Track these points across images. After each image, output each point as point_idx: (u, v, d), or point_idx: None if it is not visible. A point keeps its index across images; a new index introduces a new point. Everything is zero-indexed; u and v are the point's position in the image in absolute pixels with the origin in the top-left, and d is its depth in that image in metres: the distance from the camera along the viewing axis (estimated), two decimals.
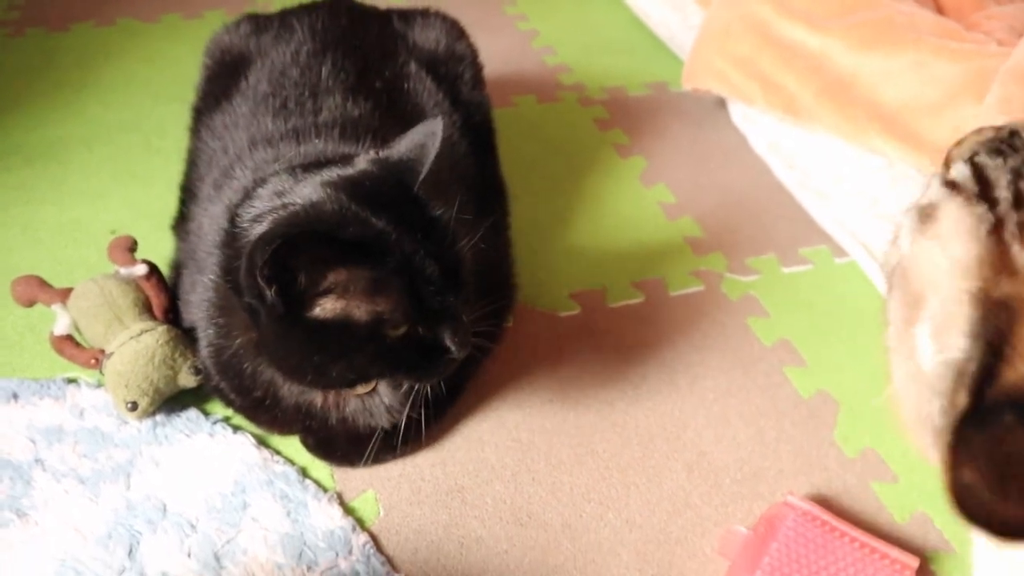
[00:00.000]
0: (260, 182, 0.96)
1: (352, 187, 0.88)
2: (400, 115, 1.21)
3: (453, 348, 0.92)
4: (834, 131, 1.61)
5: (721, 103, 1.85)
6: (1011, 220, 0.46)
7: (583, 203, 1.59)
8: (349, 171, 0.90)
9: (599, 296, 1.38)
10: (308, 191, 0.88)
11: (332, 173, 0.90)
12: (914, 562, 0.99)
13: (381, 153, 0.92)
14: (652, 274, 1.43)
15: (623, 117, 1.84)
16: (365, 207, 0.86)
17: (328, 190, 0.87)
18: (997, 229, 0.46)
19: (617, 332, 1.32)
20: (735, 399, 1.23)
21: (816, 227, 1.56)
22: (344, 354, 0.89)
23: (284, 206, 0.88)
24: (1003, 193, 0.48)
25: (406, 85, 1.25)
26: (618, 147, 1.75)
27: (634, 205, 1.59)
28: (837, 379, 1.26)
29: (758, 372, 1.27)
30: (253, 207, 0.90)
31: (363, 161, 0.92)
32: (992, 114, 1.40)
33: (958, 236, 0.48)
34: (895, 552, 0.99)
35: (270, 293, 0.83)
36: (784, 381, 1.26)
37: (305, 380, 0.95)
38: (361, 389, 1.00)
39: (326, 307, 0.87)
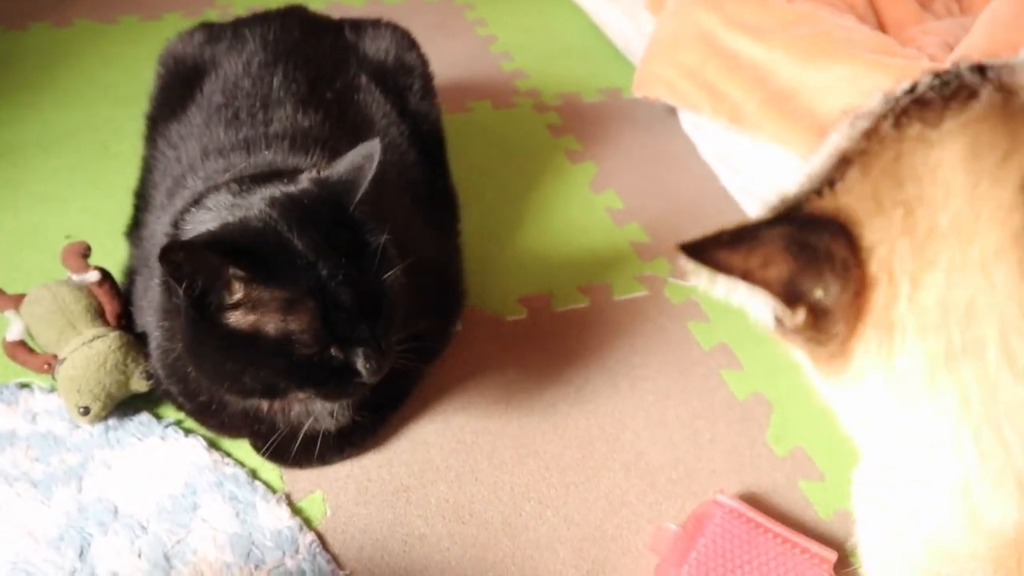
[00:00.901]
0: (207, 192, 0.99)
1: (287, 206, 0.92)
2: (349, 126, 1.24)
3: (364, 374, 0.95)
4: (777, 140, 1.67)
5: (672, 111, 1.90)
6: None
7: (533, 209, 1.63)
8: (290, 189, 0.94)
9: (545, 300, 1.43)
10: (243, 206, 0.92)
11: (273, 190, 0.93)
12: (832, 556, 1.04)
13: (323, 172, 0.96)
14: (598, 279, 1.48)
15: (576, 123, 1.89)
16: (293, 227, 0.90)
17: (262, 207, 0.91)
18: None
19: (562, 336, 1.37)
20: (673, 401, 1.28)
21: None
22: (254, 365, 0.93)
23: (217, 218, 0.91)
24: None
25: (356, 96, 1.29)
26: (570, 153, 1.79)
27: (583, 211, 1.63)
28: (772, 382, 1.32)
29: (696, 375, 1.32)
30: (194, 216, 0.94)
31: (305, 179, 0.95)
32: None
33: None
34: (815, 547, 1.05)
35: (181, 296, 0.87)
36: (721, 384, 1.31)
37: (222, 386, 0.99)
38: (301, 395, 1.03)
39: (238, 318, 0.90)
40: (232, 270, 0.88)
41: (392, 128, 1.30)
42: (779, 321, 0.57)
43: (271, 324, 0.90)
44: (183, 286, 0.88)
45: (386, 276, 0.94)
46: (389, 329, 0.96)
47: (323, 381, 0.96)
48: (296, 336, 0.91)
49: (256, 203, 0.92)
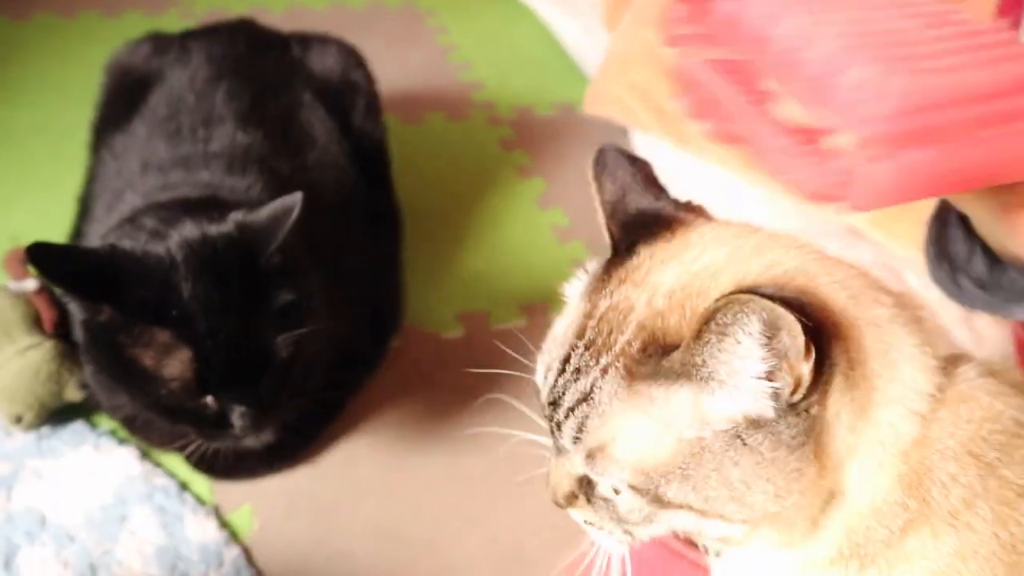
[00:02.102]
0: (140, 213, 1.01)
1: (196, 250, 0.94)
2: (290, 144, 1.26)
3: (237, 428, 0.97)
4: (720, 163, 1.70)
5: (624, 129, 1.92)
6: None
7: (479, 223, 1.65)
8: (209, 231, 0.96)
9: (483, 318, 1.45)
10: (155, 240, 0.94)
11: (193, 229, 0.95)
12: None
13: (248, 217, 0.97)
14: (539, 298, 1.50)
15: (528, 138, 1.91)
16: (192, 275, 0.92)
17: (171, 245, 0.93)
18: None
19: (498, 354, 1.38)
20: None
21: None
22: (132, 390, 0.95)
23: (130, 243, 0.95)
24: None
25: (298, 113, 1.31)
26: (519, 168, 1.81)
27: (528, 227, 1.66)
28: None
29: None
30: (120, 235, 0.96)
31: (231, 222, 0.97)
32: None
33: None
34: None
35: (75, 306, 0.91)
36: None
37: (106, 401, 1.03)
38: None
39: (123, 339, 0.92)
40: (97, 299, 0.91)
41: (334, 146, 1.32)
42: None
43: (147, 360, 0.92)
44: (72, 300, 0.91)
45: (285, 336, 0.95)
46: (278, 389, 0.97)
47: (196, 424, 0.98)
48: (167, 381, 0.93)
49: (171, 239, 0.94)
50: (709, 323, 0.53)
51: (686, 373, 0.55)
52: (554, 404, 0.62)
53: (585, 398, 0.59)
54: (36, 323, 1.22)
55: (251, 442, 1.09)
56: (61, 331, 1.24)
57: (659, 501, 0.58)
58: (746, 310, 0.51)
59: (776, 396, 0.54)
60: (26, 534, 1.08)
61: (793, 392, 0.54)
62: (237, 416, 0.96)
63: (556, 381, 0.62)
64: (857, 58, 0.55)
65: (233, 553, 1.08)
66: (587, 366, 0.59)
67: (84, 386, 1.18)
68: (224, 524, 1.12)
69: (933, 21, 0.60)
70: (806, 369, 0.53)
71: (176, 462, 1.18)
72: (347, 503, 1.16)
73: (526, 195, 1.74)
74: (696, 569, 1.08)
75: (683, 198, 0.78)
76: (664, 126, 1.77)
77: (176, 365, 0.92)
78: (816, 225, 1.63)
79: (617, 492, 0.60)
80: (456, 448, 1.25)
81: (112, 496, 1.13)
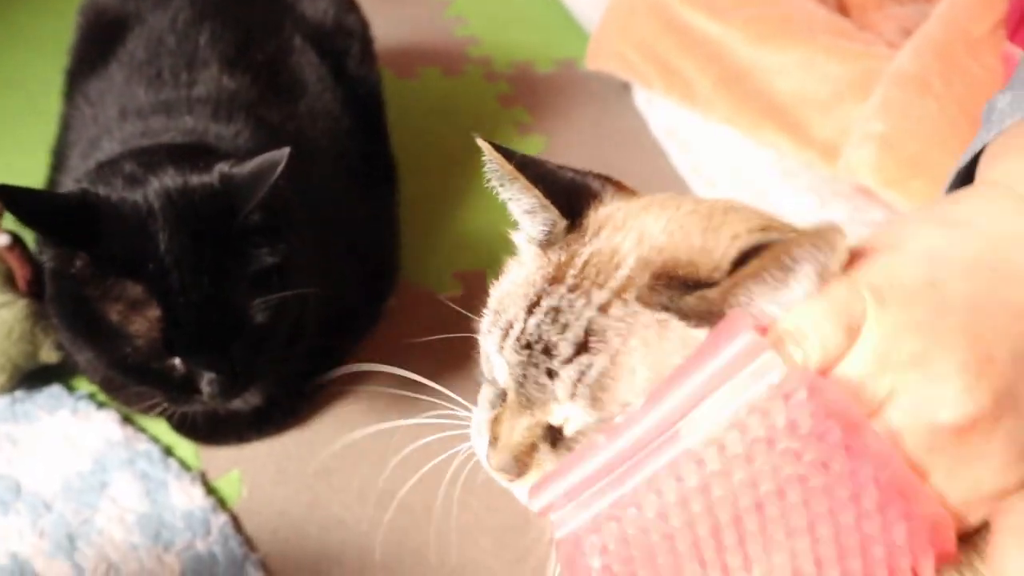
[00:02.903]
0: (117, 159, 0.94)
1: (175, 201, 0.87)
2: (280, 90, 1.19)
3: (205, 395, 0.91)
4: (729, 121, 1.64)
5: (626, 85, 1.85)
6: None
7: (477, 181, 1.57)
8: (191, 180, 0.88)
9: (482, 277, 1.38)
10: (132, 187, 0.87)
11: (174, 178, 0.88)
12: None
13: (233, 169, 0.90)
14: None
15: (528, 94, 1.84)
16: (168, 227, 0.85)
17: (149, 194, 0.86)
18: None
19: None
20: None
21: None
22: (97, 347, 0.89)
23: (106, 187, 0.87)
24: None
25: (289, 58, 1.23)
26: (519, 125, 1.74)
27: None
28: None
29: None
30: (94, 181, 0.89)
31: (216, 173, 0.89)
32: (873, 115, 1.43)
33: None
34: None
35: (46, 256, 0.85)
36: None
37: (80, 360, 0.97)
38: None
39: (91, 291, 0.86)
40: (73, 246, 0.84)
41: (327, 93, 1.24)
42: None
43: (114, 314, 0.86)
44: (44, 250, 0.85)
45: (261, 301, 0.88)
46: (252, 356, 0.90)
47: (162, 387, 0.92)
48: (133, 339, 0.86)
49: (150, 186, 0.87)
50: (773, 259, 0.48)
51: (717, 312, 0.50)
52: (530, 349, 0.57)
53: (585, 341, 0.54)
54: (8, 281, 1.15)
55: (237, 403, 1.03)
56: (35, 289, 1.17)
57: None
58: (824, 241, 0.47)
59: None
60: (0, 503, 1.02)
61: None
62: (205, 382, 0.89)
63: (525, 326, 0.57)
64: None
65: (220, 520, 1.03)
66: (573, 307, 0.55)
67: (60, 347, 1.12)
68: (211, 491, 1.06)
69: None
70: None
71: (160, 427, 1.12)
72: (341, 468, 1.10)
73: (526, 152, 1.66)
74: None
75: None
76: (668, 82, 1.70)
77: (143, 322, 0.85)
78: (825, 185, 1.58)
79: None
80: (453, 413, 1.19)
81: (91, 462, 1.07)
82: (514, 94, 1.83)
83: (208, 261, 0.86)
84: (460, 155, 1.64)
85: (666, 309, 0.52)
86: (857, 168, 1.42)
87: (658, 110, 1.78)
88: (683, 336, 0.51)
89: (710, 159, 1.67)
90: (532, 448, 0.60)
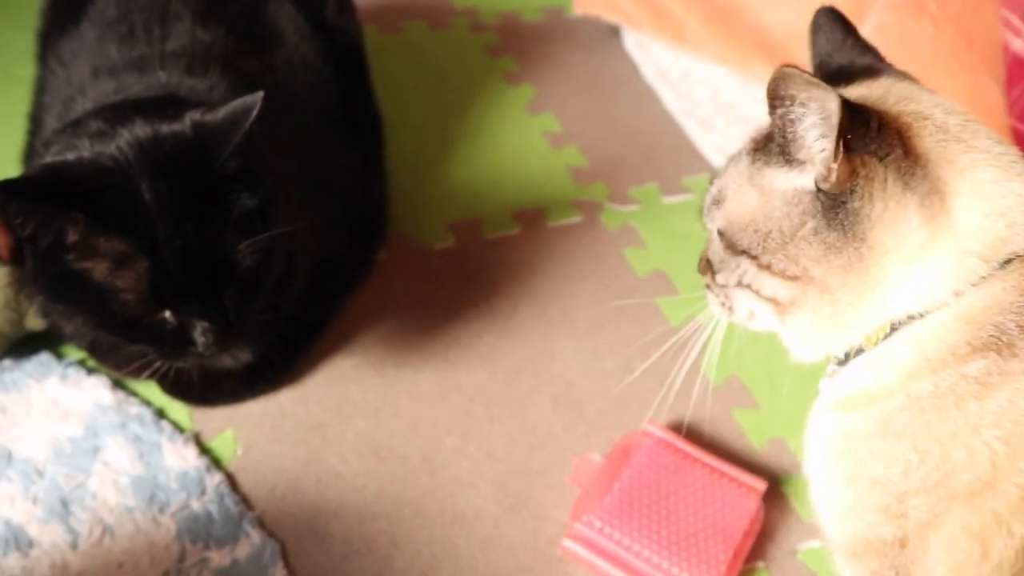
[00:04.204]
0: (84, 117, 0.91)
1: (149, 150, 0.84)
2: (256, 41, 1.15)
3: (199, 346, 0.88)
4: (719, 59, 1.60)
5: (615, 30, 1.81)
6: None
7: (467, 132, 1.55)
8: (162, 129, 0.86)
9: (475, 227, 1.36)
10: (105, 139, 0.84)
11: (144, 128, 0.85)
12: (762, 485, 1.01)
13: (206, 116, 0.87)
14: (531, 205, 1.41)
15: (515, 44, 1.80)
16: (146, 175, 0.82)
17: (121, 145, 0.83)
18: None
19: (491, 264, 1.31)
20: (605, 330, 1.23)
21: (701, 157, 1.56)
22: (84, 311, 0.87)
23: (73, 149, 0.84)
24: None
25: (265, 9, 1.19)
26: (507, 75, 1.71)
27: (519, 134, 1.56)
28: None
29: (631, 303, 1.27)
30: (60, 141, 0.87)
31: (187, 120, 0.87)
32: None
33: None
34: (745, 476, 1.02)
35: (19, 229, 0.82)
36: (656, 312, 1.26)
37: (67, 327, 0.94)
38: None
39: (72, 259, 0.83)
40: (67, 212, 0.81)
41: (304, 44, 1.21)
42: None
43: (99, 273, 0.83)
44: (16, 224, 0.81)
45: (247, 244, 0.85)
46: (246, 302, 0.88)
47: (155, 343, 0.89)
48: (120, 294, 0.84)
49: (120, 138, 0.84)
50: (770, 95, 0.63)
51: (766, 148, 0.67)
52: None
53: (723, 174, 0.72)
54: None
55: (228, 362, 1.01)
56: (18, 256, 1.15)
57: (733, 248, 0.69)
58: (777, 74, 0.61)
59: (824, 176, 0.62)
60: None
61: (828, 174, 0.62)
62: (199, 333, 0.87)
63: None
64: None
65: (216, 480, 1.01)
66: (734, 158, 0.72)
67: (46, 313, 1.10)
68: (205, 451, 1.05)
69: None
70: (832, 146, 0.61)
71: (151, 390, 1.10)
72: (335, 423, 1.09)
73: (516, 102, 1.64)
74: (712, 473, 1.02)
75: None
76: (657, 23, 1.66)
77: (131, 276, 0.83)
78: None
79: (719, 236, 0.71)
80: (449, 362, 1.17)
81: (83, 428, 1.06)
82: (501, 44, 1.79)
83: (190, 208, 0.83)
84: (449, 107, 1.61)
85: (752, 153, 0.69)
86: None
87: (648, 53, 1.74)
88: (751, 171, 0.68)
89: (703, 100, 1.63)
90: (708, 264, 0.75)
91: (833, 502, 0.69)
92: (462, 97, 1.64)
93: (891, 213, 0.62)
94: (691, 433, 1.10)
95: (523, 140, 1.55)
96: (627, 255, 1.34)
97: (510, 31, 1.84)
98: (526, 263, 1.32)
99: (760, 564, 1.00)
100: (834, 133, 0.60)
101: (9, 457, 1.02)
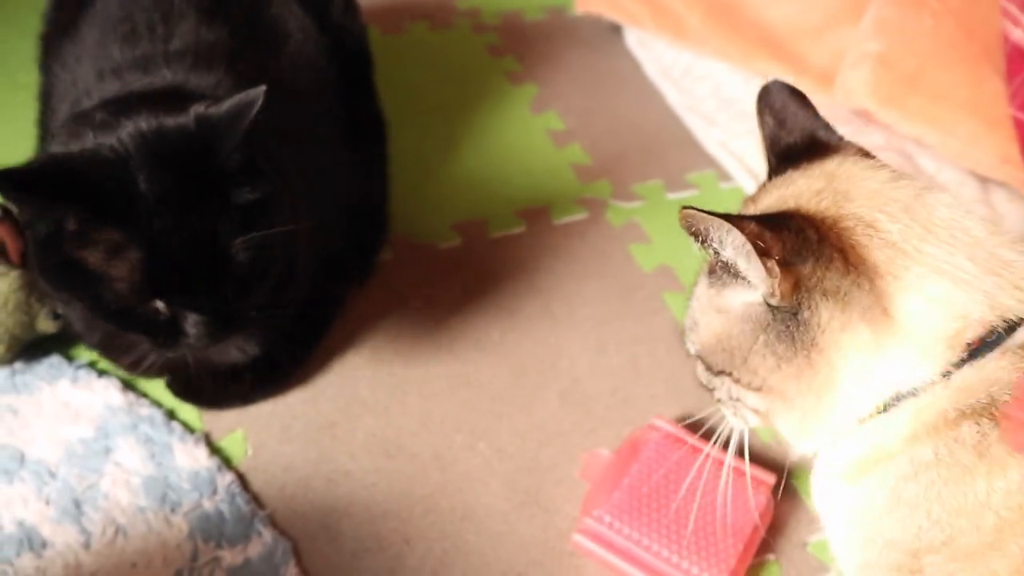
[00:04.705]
0: (93, 107, 0.92)
1: (151, 142, 0.84)
2: (260, 41, 1.16)
3: (191, 337, 0.88)
4: (721, 55, 1.60)
5: (617, 28, 1.82)
6: None
7: (470, 132, 1.56)
8: (165, 122, 0.86)
9: (481, 226, 1.37)
10: (106, 132, 0.85)
11: (148, 120, 0.86)
12: (771, 479, 1.01)
13: (210, 109, 0.87)
14: (536, 203, 1.42)
15: (517, 43, 1.80)
16: (146, 167, 0.83)
17: (123, 136, 0.84)
18: None
19: (497, 263, 1.31)
20: (612, 326, 1.23)
21: (703, 152, 1.56)
22: (81, 298, 0.87)
23: (76, 141, 0.85)
24: None
25: (269, 8, 1.20)
26: (510, 74, 1.71)
27: (523, 133, 1.57)
28: None
29: (637, 299, 1.28)
30: (62, 135, 0.87)
31: (191, 113, 0.87)
32: (868, 36, 1.40)
33: None
34: (753, 469, 1.02)
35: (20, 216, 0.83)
36: (662, 307, 1.27)
37: (73, 319, 0.97)
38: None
39: (70, 247, 0.84)
40: (65, 202, 0.82)
41: (309, 44, 1.21)
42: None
43: (94, 261, 0.84)
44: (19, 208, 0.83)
45: (244, 239, 0.85)
46: (241, 297, 0.88)
47: (148, 332, 0.90)
48: (114, 283, 0.84)
49: (124, 130, 0.85)
50: (687, 233, 0.68)
51: (716, 272, 0.70)
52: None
53: (693, 296, 0.75)
54: (1, 253, 1.14)
55: (236, 356, 1.02)
56: (28, 261, 1.16)
57: (711, 369, 0.73)
58: (681, 212, 0.67)
59: (769, 292, 0.64)
60: (4, 472, 1.01)
61: (772, 291, 0.64)
62: (191, 324, 0.87)
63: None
64: None
65: (227, 479, 1.02)
66: (699, 280, 0.75)
67: (56, 316, 1.11)
68: (215, 451, 1.05)
69: None
70: (761, 268, 0.63)
71: (161, 391, 1.11)
72: (344, 422, 1.09)
73: (518, 101, 1.64)
74: (721, 466, 1.02)
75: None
76: (658, 20, 1.67)
77: (123, 265, 0.83)
78: (822, 111, 1.54)
79: (699, 360, 0.76)
80: (457, 360, 1.17)
81: (94, 429, 1.06)
82: (503, 44, 1.80)
83: (189, 201, 0.84)
84: (452, 108, 1.61)
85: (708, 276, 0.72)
86: (854, 90, 1.38)
87: (650, 51, 1.75)
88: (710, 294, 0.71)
89: (705, 96, 1.63)
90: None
91: (850, 557, 0.71)
92: (465, 97, 1.64)
93: (837, 322, 0.63)
94: (698, 428, 1.10)
95: (527, 139, 1.55)
96: (632, 251, 1.35)
97: (512, 31, 1.84)
98: (532, 261, 1.32)
99: (770, 557, 1.00)
100: (754, 257, 0.62)
101: (22, 459, 1.03)
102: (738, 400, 0.72)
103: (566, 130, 1.58)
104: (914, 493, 0.63)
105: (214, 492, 1.01)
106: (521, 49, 1.79)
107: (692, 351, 0.75)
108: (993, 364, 0.62)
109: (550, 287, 1.28)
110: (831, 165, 0.70)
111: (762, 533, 1.00)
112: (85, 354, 1.15)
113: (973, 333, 0.62)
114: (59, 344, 1.14)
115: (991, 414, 0.61)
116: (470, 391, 1.14)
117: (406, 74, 1.67)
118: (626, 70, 1.75)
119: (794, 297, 0.63)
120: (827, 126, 0.76)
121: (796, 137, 0.75)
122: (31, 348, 1.13)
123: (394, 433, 1.08)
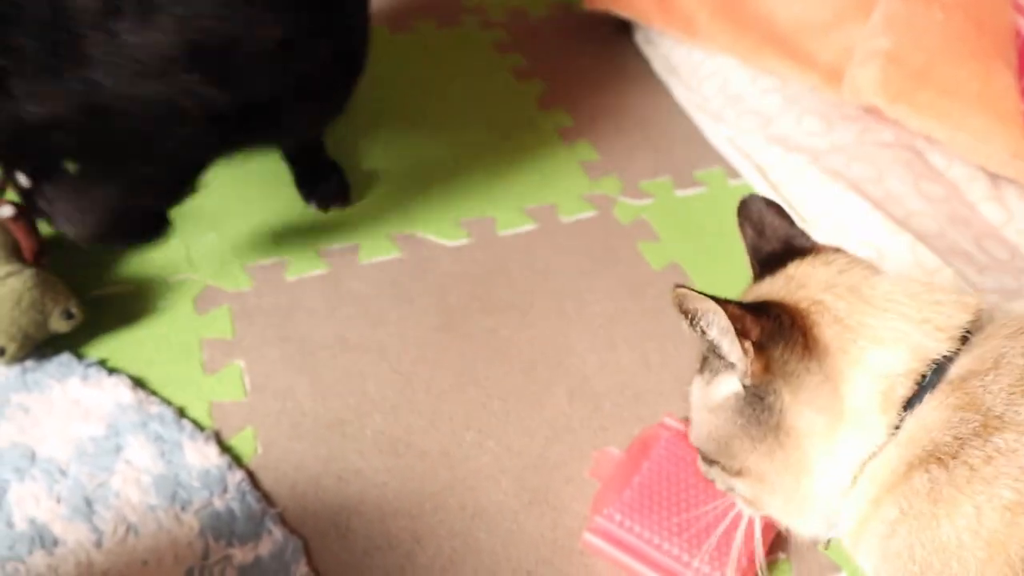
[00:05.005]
0: None
1: None
2: None
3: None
4: (729, 51, 1.60)
5: (624, 25, 1.82)
6: None
7: (478, 129, 1.56)
8: None
9: (489, 224, 1.37)
10: None
11: None
12: None
13: None
14: (545, 200, 1.42)
15: (524, 40, 1.80)
16: None
17: None
18: None
19: (506, 260, 1.31)
20: (621, 324, 1.23)
21: (712, 149, 1.56)
22: None
23: None
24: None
25: None
26: (517, 71, 1.71)
27: (530, 130, 1.57)
28: None
29: (646, 296, 1.28)
30: None
31: None
32: (877, 32, 1.39)
33: None
34: None
35: None
36: (670, 305, 1.26)
37: None
38: None
39: None
40: None
41: None
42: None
43: None
44: None
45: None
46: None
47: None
48: None
49: None
50: (679, 311, 0.72)
51: (706, 361, 0.75)
52: None
53: (691, 392, 0.79)
54: (15, 251, 1.14)
55: None
56: (41, 260, 1.16)
57: (706, 459, 0.78)
58: (675, 291, 0.70)
59: (744, 372, 0.69)
60: (15, 470, 1.01)
61: (746, 370, 0.69)
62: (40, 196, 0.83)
63: None
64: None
65: (237, 477, 1.02)
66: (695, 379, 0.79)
67: (70, 315, 1.11)
68: (225, 449, 1.06)
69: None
70: (739, 348, 0.68)
71: (172, 389, 1.11)
72: (353, 420, 1.09)
73: (526, 97, 1.64)
74: None
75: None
76: (666, 16, 1.66)
77: None
78: (832, 108, 1.54)
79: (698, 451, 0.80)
80: (465, 358, 1.17)
81: (104, 427, 1.06)
82: (511, 41, 1.80)
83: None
84: (460, 104, 1.61)
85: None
86: (863, 87, 1.38)
87: (657, 48, 1.75)
88: (701, 388, 0.76)
89: (713, 94, 1.63)
90: None
91: None
92: (472, 94, 1.64)
93: (797, 401, 0.68)
94: None
95: (535, 136, 1.55)
96: (641, 249, 1.35)
97: (518, 28, 1.84)
98: (541, 258, 1.32)
99: (782, 555, 1.00)
100: (733, 336, 0.67)
101: (33, 457, 1.03)
102: (731, 489, 0.77)
103: (574, 126, 1.58)
104: (896, 548, 0.66)
105: (224, 490, 1.01)
106: (528, 46, 1.79)
107: (693, 444, 0.80)
108: (927, 408, 0.65)
109: (560, 285, 1.28)
110: (792, 267, 0.76)
111: (774, 531, 0.99)
112: (95, 352, 1.15)
113: (904, 387, 0.66)
114: (69, 342, 1.14)
115: (937, 459, 0.63)
116: (478, 388, 1.14)
117: (414, 72, 1.67)
118: (634, 67, 1.75)
119: (764, 379, 0.68)
120: (803, 233, 0.82)
121: (775, 245, 0.81)
122: (41, 346, 1.13)
123: (403, 431, 1.08)
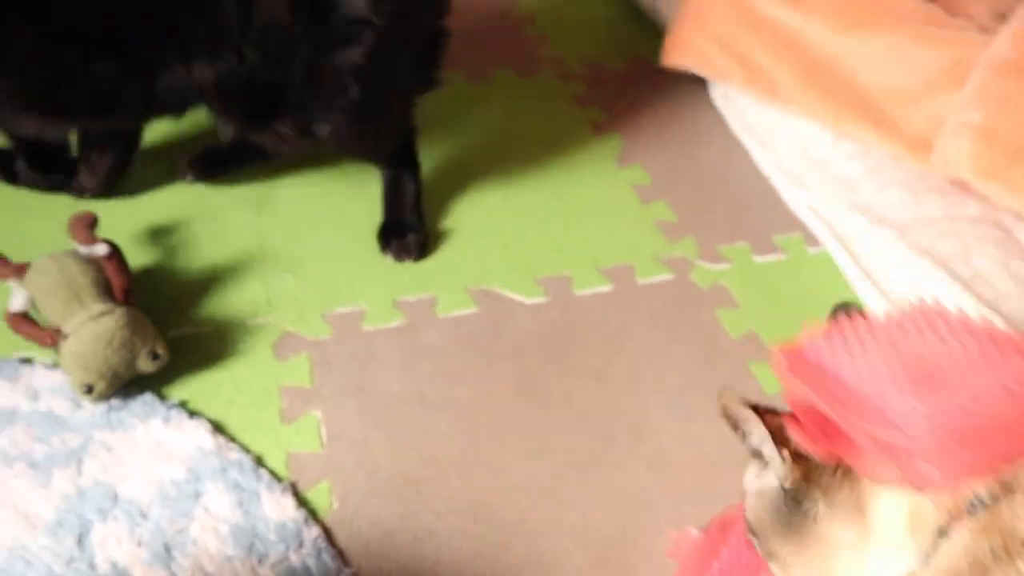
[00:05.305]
0: None
1: None
2: None
3: None
4: (811, 115, 1.59)
5: (701, 81, 1.81)
6: None
7: (555, 183, 1.56)
8: None
9: (566, 283, 1.36)
10: None
11: None
12: None
13: None
14: (621, 260, 1.41)
15: (602, 94, 1.81)
16: None
17: None
18: None
19: (582, 321, 1.31)
20: (699, 394, 1.22)
21: (791, 214, 1.54)
22: None
23: None
24: None
25: None
26: (595, 125, 1.72)
27: (607, 187, 1.57)
28: None
29: (724, 366, 1.26)
30: None
31: None
32: (970, 104, 1.37)
33: None
34: None
35: None
36: (749, 376, 1.25)
37: None
38: None
39: None
40: None
41: None
42: None
43: None
44: None
45: None
46: None
47: None
48: None
49: None
50: (723, 415, 0.76)
51: (754, 453, 0.77)
52: None
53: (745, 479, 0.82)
54: (107, 290, 1.17)
55: None
56: (131, 298, 1.19)
57: (749, 530, 0.80)
58: (720, 398, 0.74)
59: (784, 477, 0.72)
60: (98, 510, 1.03)
61: (785, 476, 0.72)
62: None
63: None
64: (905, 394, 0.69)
65: (313, 533, 1.02)
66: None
67: (155, 356, 1.13)
68: (302, 502, 1.06)
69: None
70: (777, 455, 0.72)
71: (250, 435, 1.12)
72: (428, 480, 1.09)
73: (603, 153, 1.64)
74: None
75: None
76: (749, 77, 1.66)
77: None
78: (917, 179, 1.52)
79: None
80: (543, 421, 1.17)
81: (185, 471, 1.08)
82: (588, 94, 1.81)
83: None
84: (537, 157, 1.62)
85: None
86: (953, 160, 1.36)
87: (736, 106, 1.74)
88: (752, 475, 0.79)
89: (792, 155, 1.62)
90: None
91: None
92: (549, 147, 1.65)
93: (827, 517, 0.71)
94: None
95: (612, 193, 1.55)
96: (719, 316, 1.33)
97: (596, 81, 1.85)
98: (617, 320, 1.32)
99: None
100: (772, 445, 0.71)
101: (115, 497, 1.05)
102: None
103: (651, 185, 1.58)
104: None
105: (300, 545, 1.01)
106: (606, 99, 1.79)
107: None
108: (961, 535, 0.66)
109: (636, 349, 1.27)
110: None
111: None
112: (177, 393, 1.17)
113: (934, 514, 0.67)
114: (151, 382, 1.16)
115: None
116: (556, 456, 1.13)
117: (491, 122, 1.69)
118: (711, 124, 1.75)
119: (803, 486, 0.71)
120: None
121: None
122: (126, 385, 1.15)
123: (480, 495, 1.08)
